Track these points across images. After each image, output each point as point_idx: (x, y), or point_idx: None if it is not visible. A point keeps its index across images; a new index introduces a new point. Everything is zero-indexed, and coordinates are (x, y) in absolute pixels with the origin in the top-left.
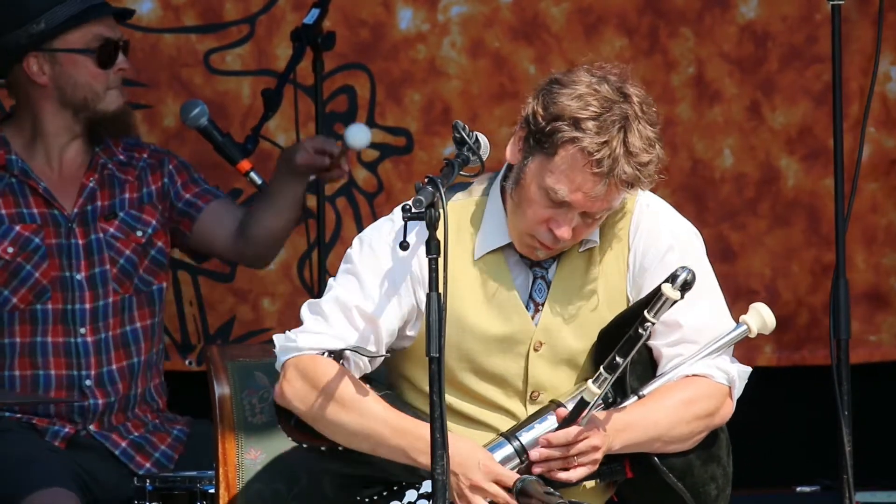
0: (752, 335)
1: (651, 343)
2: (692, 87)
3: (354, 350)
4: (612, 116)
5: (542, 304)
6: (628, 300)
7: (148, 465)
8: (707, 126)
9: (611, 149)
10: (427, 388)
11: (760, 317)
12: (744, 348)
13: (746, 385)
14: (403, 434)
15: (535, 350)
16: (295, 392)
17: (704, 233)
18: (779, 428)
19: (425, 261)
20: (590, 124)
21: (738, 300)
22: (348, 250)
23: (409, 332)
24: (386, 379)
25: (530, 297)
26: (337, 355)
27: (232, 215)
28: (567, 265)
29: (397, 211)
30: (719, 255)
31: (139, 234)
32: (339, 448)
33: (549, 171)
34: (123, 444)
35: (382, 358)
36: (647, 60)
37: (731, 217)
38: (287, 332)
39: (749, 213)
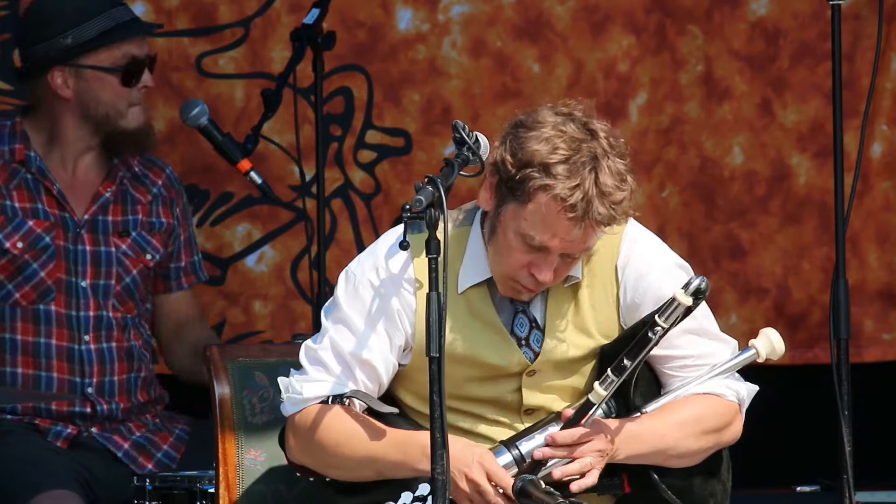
0: (760, 360)
1: (657, 367)
2: (701, 85)
3: (356, 394)
4: (581, 158)
5: (525, 339)
6: (621, 331)
7: (150, 466)
8: (716, 124)
9: (583, 191)
10: (418, 407)
11: (770, 342)
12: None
13: None
14: (399, 447)
15: (529, 376)
16: (301, 449)
17: (714, 231)
18: (779, 428)
19: (409, 296)
20: (560, 168)
21: (748, 298)
22: (336, 287)
23: (403, 361)
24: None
25: (512, 331)
26: (340, 398)
27: (188, 313)
28: (555, 299)
29: (380, 243)
30: (729, 253)
31: (148, 257)
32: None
33: (524, 219)
34: (126, 445)
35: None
36: (654, 59)
37: (741, 215)
38: (291, 377)
39: (759, 211)
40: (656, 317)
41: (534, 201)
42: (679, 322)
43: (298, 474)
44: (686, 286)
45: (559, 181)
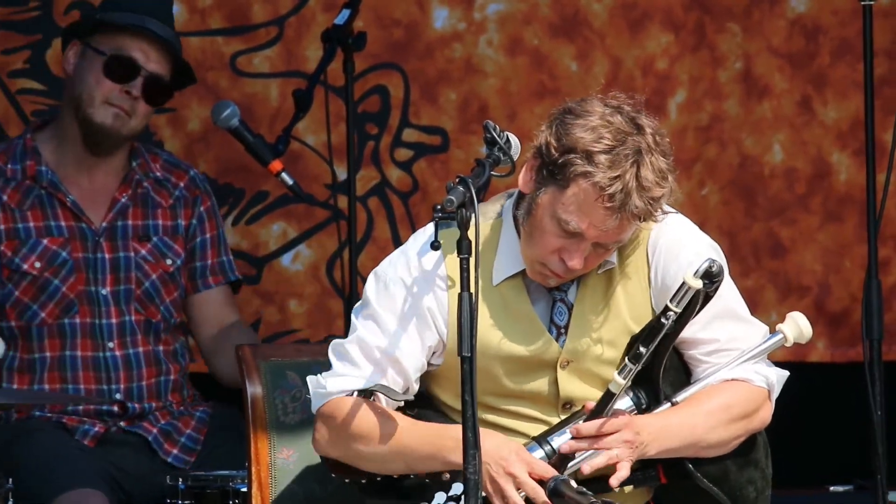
0: (789, 344)
1: (686, 352)
2: (740, 82)
3: (381, 390)
4: (624, 150)
5: (564, 328)
6: (654, 315)
7: (175, 451)
8: (756, 121)
9: (623, 183)
10: (456, 405)
11: (797, 326)
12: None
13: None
14: (431, 439)
15: (563, 367)
16: (326, 439)
17: (754, 229)
18: (816, 426)
19: (441, 294)
20: (602, 158)
21: (789, 296)
22: (366, 286)
23: (436, 361)
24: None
25: (551, 320)
26: (366, 393)
27: (223, 314)
28: (588, 286)
29: (411, 242)
30: (769, 251)
31: (168, 262)
32: (378, 478)
33: (562, 204)
34: (154, 430)
35: (414, 391)
36: (693, 56)
37: (781, 213)
38: (318, 375)
39: (800, 209)
40: (668, 301)
41: (573, 187)
42: (699, 309)
43: (333, 475)
44: (696, 269)
45: (600, 170)
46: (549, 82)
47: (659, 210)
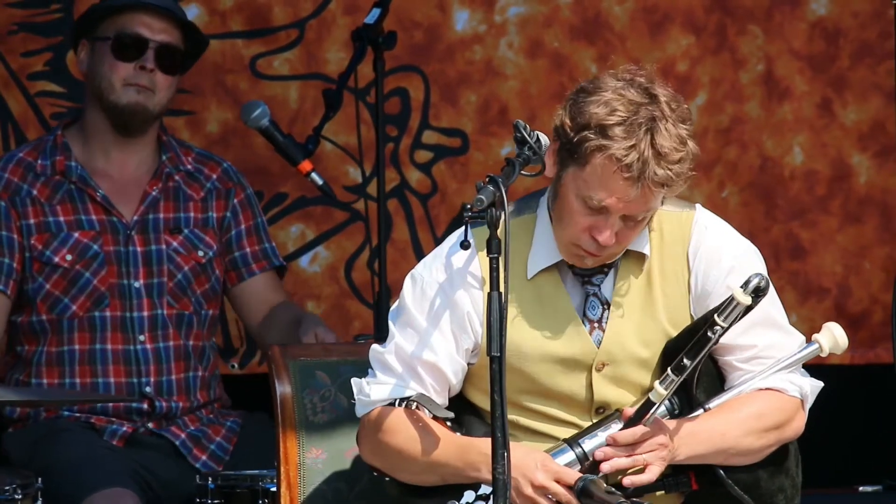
0: (824, 354)
1: (721, 359)
2: (761, 84)
3: (422, 400)
4: (638, 119)
5: (598, 322)
6: (692, 320)
7: (204, 457)
8: (777, 123)
9: (639, 152)
10: (483, 405)
11: (833, 336)
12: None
13: None
14: (460, 454)
15: (598, 370)
16: (370, 451)
17: (774, 230)
18: (841, 427)
19: (477, 293)
20: (617, 130)
21: (808, 298)
22: (403, 289)
23: (472, 361)
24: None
25: (584, 314)
26: (408, 401)
27: (271, 297)
28: (624, 287)
29: (445, 245)
30: (790, 253)
31: (200, 253)
32: None
33: (583, 181)
34: (182, 435)
35: (456, 391)
36: (714, 58)
37: (801, 214)
38: (362, 380)
39: (820, 211)
40: (716, 316)
41: (591, 163)
42: (739, 319)
43: (375, 473)
44: (745, 285)
45: (615, 142)
46: (569, 84)
47: (679, 175)
